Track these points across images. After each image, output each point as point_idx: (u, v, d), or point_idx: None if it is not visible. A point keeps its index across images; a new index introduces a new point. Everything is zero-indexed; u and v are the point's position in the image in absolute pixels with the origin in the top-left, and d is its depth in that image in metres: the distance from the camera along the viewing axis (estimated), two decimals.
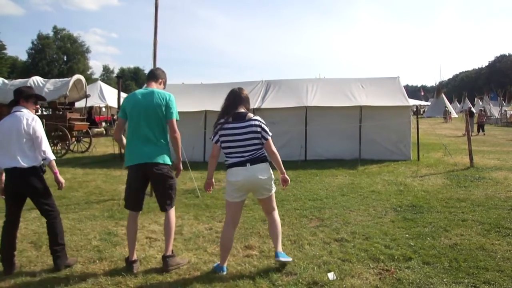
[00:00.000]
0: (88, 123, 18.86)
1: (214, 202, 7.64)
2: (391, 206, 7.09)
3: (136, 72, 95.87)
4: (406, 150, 13.19)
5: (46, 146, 4.64)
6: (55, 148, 16.32)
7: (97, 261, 4.79)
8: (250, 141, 4.29)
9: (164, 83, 4.87)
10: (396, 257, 4.69)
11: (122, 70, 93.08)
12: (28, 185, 4.53)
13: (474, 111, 32.49)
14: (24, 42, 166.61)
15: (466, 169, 10.92)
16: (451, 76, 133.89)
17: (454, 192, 8.18)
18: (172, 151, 4.68)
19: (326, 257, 4.77)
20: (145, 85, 4.75)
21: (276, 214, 4.63)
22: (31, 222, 6.48)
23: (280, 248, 4.53)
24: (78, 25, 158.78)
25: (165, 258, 4.53)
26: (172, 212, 4.70)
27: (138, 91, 4.69)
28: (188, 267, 4.56)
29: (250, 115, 4.37)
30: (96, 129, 22.89)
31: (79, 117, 17.93)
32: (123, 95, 25.58)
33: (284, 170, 4.49)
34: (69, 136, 15.98)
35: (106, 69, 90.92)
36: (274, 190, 4.51)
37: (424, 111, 54.60)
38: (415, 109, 18.01)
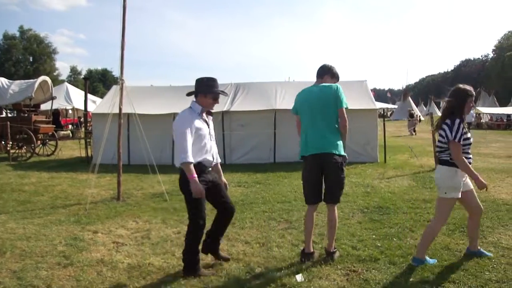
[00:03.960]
0: (54, 126, 18.41)
1: (182, 206, 7.46)
2: (358, 208, 7.18)
3: (104, 74, 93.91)
4: (373, 152, 13.38)
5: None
6: (19, 151, 15.94)
7: (63, 267, 4.70)
8: (439, 143, 4.46)
9: (332, 76, 4.93)
10: (363, 258, 4.76)
11: (89, 72, 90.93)
12: None
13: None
14: None
15: (431, 171, 11.13)
16: (417, 80, 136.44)
17: (419, 193, 8.34)
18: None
19: (294, 259, 4.81)
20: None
21: (434, 222, 4.58)
22: None
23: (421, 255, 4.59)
24: (45, 25, 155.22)
25: (329, 253, 4.76)
26: (336, 208, 4.81)
27: (307, 88, 4.92)
28: (156, 272, 4.51)
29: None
30: (63, 132, 22.40)
31: (44, 119, 17.47)
32: (91, 97, 25.28)
33: (475, 174, 4.27)
34: (35, 139, 15.55)
35: (73, 71, 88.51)
36: (445, 195, 4.39)
37: (391, 114, 55.55)
38: (381, 112, 18.28)
